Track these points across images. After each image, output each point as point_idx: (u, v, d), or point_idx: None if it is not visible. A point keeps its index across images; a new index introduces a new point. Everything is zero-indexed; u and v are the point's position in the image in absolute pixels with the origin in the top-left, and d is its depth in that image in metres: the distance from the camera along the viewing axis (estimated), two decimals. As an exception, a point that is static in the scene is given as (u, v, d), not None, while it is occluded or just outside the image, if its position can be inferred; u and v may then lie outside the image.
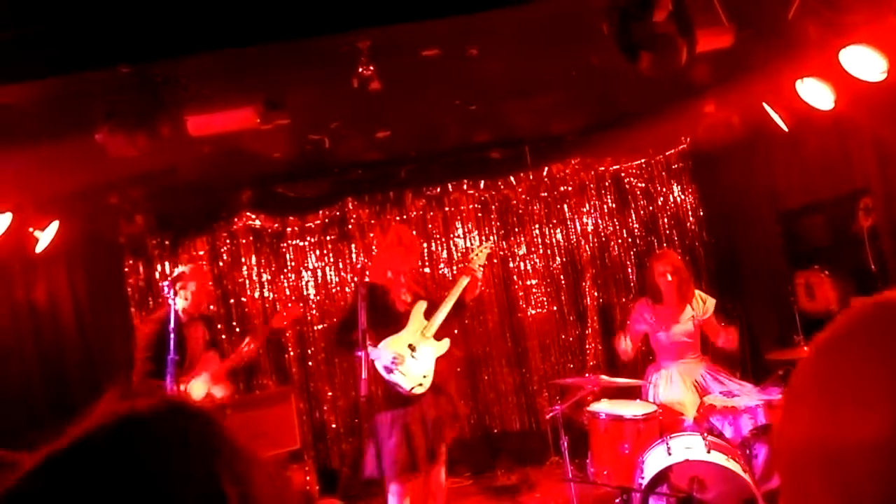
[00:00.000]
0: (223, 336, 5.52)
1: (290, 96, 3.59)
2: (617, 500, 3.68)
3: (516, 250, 6.06)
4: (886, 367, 0.48)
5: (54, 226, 4.75)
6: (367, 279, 3.76)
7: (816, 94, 4.05)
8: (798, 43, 3.77)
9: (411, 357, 3.78)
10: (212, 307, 5.47)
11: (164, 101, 3.26)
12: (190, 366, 4.06)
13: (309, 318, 5.90)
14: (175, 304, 3.61)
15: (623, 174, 6.10)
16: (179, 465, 0.57)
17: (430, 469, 3.81)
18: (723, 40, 3.48)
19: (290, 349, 5.86)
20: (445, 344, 3.90)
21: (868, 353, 0.50)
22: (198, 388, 4.05)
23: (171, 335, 3.45)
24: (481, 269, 4.04)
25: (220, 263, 5.88)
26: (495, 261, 5.97)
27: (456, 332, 5.68)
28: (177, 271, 4.23)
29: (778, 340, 4.30)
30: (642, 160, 6.06)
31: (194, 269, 4.28)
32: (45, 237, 4.71)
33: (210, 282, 4.45)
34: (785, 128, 4.62)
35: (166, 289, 3.67)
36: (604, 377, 3.98)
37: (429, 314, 3.89)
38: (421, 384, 3.74)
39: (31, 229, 4.68)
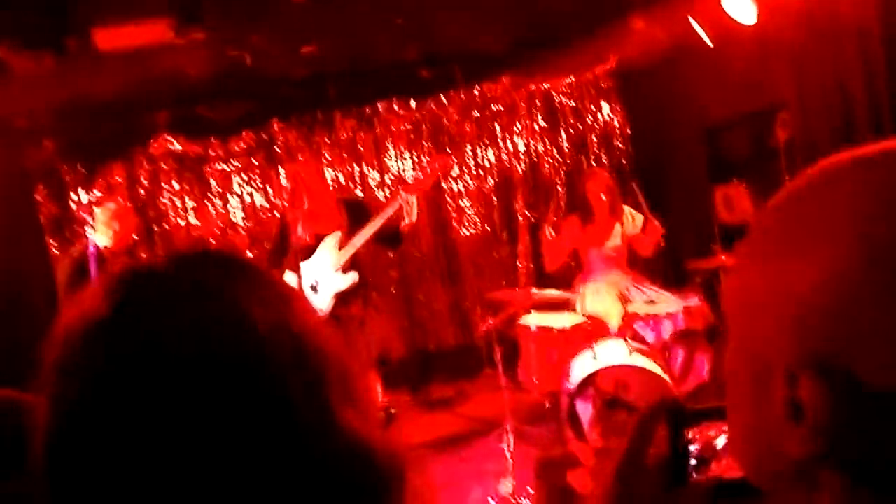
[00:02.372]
0: (143, 255, 5.36)
1: (207, 7, 3.38)
2: (546, 405, 3.88)
3: (452, 165, 6.03)
4: (825, 212, 0.51)
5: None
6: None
7: (740, 7, 4.11)
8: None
9: (310, 291, 3.78)
10: (135, 237, 5.29)
11: (70, 13, 3.02)
12: None
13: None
14: (94, 237, 3.48)
15: (553, 93, 6.11)
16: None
17: None
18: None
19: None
20: (350, 277, 3.87)
21: (810, 202, 0.53)
22: None
23: (91, 269, 3.33)
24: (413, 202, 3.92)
25: (141, 191, 5.64)
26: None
27: (391, 255, 5.76)
28: (94, 207, 4.01)
29: (697, 251, 4.50)
30: (572, 78, 6.07)
31: (118, 207, 4.07)
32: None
33: (132, 214, 4.25)
34: (710, 43, 4.70)
35: (84, 220, 3.51)
36: (535, 291, 4.11)
37: (343, 245, 3.87)
38: None
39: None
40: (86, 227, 3.48)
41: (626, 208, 4.44)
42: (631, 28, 5.07)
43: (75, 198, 5.46)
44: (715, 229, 4.41)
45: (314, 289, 3.84)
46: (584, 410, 3.59)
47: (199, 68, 4.55)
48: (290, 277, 3.87)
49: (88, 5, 3.23)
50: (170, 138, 5.60)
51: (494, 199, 6.12)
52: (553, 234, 4.34)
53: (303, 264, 3.81)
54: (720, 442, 0.74)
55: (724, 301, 0.61)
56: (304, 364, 0.56)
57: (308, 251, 3.88)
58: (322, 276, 3.86)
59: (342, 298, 3.88)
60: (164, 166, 5.66)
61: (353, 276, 3.89)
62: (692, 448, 0.74)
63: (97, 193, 4.09)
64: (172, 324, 0.54)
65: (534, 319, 4.06)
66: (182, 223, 5.72)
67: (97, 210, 3.94)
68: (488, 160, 6.10)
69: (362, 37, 4.73)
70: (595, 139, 6.16)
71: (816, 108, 4.33)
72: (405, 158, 5.99)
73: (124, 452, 0.51)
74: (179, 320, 0.54)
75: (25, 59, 3.16)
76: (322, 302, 3.83)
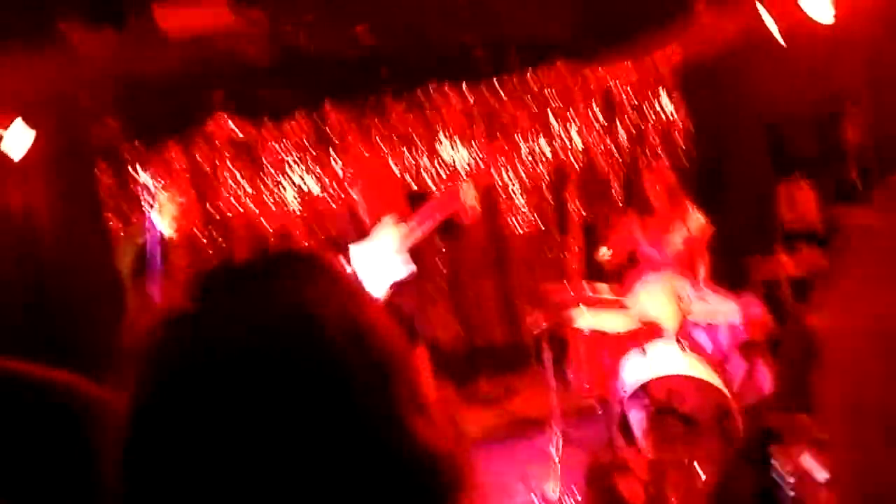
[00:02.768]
0: (204, 241, 5.44)
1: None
2: (596, 408, 3.78)
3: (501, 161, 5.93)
4: None
5: (20, 124, 4.50)
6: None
7: (817, 5, 3.90)
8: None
9: (367, 279, 3.73)
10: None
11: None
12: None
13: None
14: (157, 224, 3.52)
15: (612, 84, 5.92)
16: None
17: None
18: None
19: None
20: (408, 268, 3.79)
21: None
22: None
23: (155, 243, 3.35)
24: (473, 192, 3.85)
25: (196, 169, 5.70)
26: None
27: (443, 248, 5.70)
28: (160, 198, 4.03)
29: (759, 251, 4.31)
30: (630, 64, 5.86)
31: (178, 194, 4.07)
32: (13, 137, 4.49)
33: (196, 206, 4.29)
34: (782, 41, 4.48)
35: (144, 203, 3.53)
36: (587, 290, 3.99)
37: (404, 234, 3.81)
38: None
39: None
40: (148, 213, 3.50)
41: (692, 210, 4.26)
42: (697, 19, 4.88)
43: (134, 175, 5.55)
44: (778, 228, 4.23)
45: (371, 276, 3.78)
46: (636, 416, 3.48)
47: (254, 48, 4.54)
48: (354, 260, 3.82)
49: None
50: (225, 117, 5.63)
51: (547, 194, 5.99)
52: (607, 251, 4.19)
53: (363, 250, 3.78)
54: (819, 475, 0.69)
55: (825, 329, 0.56)
56: (374, 370, 0.58)
57: (370, 238, 3.84)
58: (381, 264, 3.80)
59: (398, 288, 3.82)
60: (218, 143, 5.69)
61: (411, 267, 3.84)
62: (788, 480, 0.69)
63: (156, 180, 4.10)
64: (250, 324, 0.57)
65: (585, 320, 3.95)
66: (235, 203, 5.76)
67: (163, 200, 3.96)
68: (542, 153, 5.97)
69: (417, 17, 4.64)
70: (654, 133, 5.96)
71: (889, 107, 4.13)
72: (456, 144, 5.90)
73: (196, 448, 0.54)
74: (257, 321, 0.57)
75: (86, 34, 3.17)
76: (377, 290, 3.77)
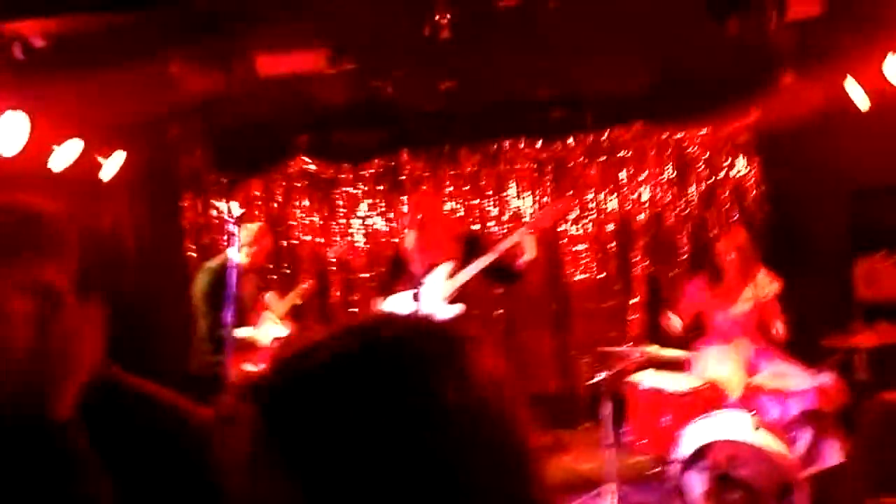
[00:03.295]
0: (274, 277, 5.63)
1: (360, 41, 3.56)
2: (653, 471, 3.70)
3: (571, 212, 5.97)
4: None
5: (120, 154, 4.85)
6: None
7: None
8: (889, 19, 3.58)
9: None
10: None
11: (236, 38, 3.27)
12: (242, 315, 4.14)
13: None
14: (235, 252, 3.69)
15: (686, 143, 5.93)
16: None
17: None
18: (812, 8, 3.33)
19: (335, 293, 5.96)
20: (455, 309, 3.86)
21: None
22: (264, 330, 4.13)
23: (232, 271, 3.51)
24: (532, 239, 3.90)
25: (274, 205, 5.97)
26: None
27: (500, 293, 5.74)
28: (242, 228, 4.24)
29: (834, 326, 4.18)
30: (707, 129, 5.87)
31: (259, 229, 4.26)
32: (110, 165, 4.83)
33: (269, 236, 4.47)
34: (863, 107, 4.42)
35: (229, 234, 3.70)
36: (649, 348, 3.95)
37: (453, 276, 3.89)
38: None
39: (98, 157, 4.79)
40: (228, 241, 3.68)
41: (762, 272, 4.19)
42: (779, 84, 4.87)
43: (217, 207, 5.83)
44: (854, 304, 4.09)
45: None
46: (694, 480, 3.40)
47: (342, 96, 4.78)
48: (398, 299, 3.95)
49: (255, 33, 3.49)
50: (306, 159, 5.90)
51: (612, 246, 5.98)
52: (676, 319, 4.15)
53: (413, 291, 3.88)
54: None
55: None
56: (495, 456, 0.60)
57: (421, 279, 3.94)
58: (428, 305, 3.88)
59: None
60: (298, 185, 5.96)
61: (458, 308, 3.90)
62: None
63: (239, 208, 4.30)
64: (372, 404, 0.58)
65: (647, 378, 3.90)
66: (307, 239, 5.98)
67: (242, 233, 4.18)
68: (610, 206, 5.98)
69: (499, 75, 4.81)
70: (726, 194, 5.90)
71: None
72: (526, 197, 5.99)
73: None
74: (377, 402, 0.58)
75: (196, 76, 3.42)
76: None
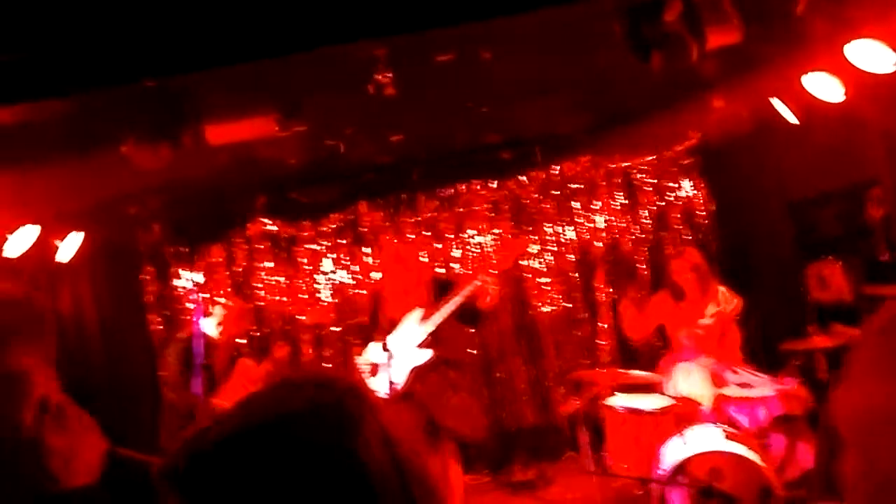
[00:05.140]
0: (243, 341, 5.59)
1: (307, 103, 3.66)
2: (637, 492, 3.74)
3: (529, 248, 6.11)
4: None
5: (77, 236, 4.83)
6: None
7: (825, 87, 4.09)
8: (806, 37, 3.81)
9: (387, 364, 3.86)
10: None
11: (185, 112, 3.33)
12: (217, 384, 4.13)
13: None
14: (204, 325, 3.70)
15: (633, 171, 6.14)
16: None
17: None
18: (731, 36, 3.53)
19: (306, 351, 5.94)
20: (426, 353, 3.94)
21: None
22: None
23: (199, 342, 3.52)
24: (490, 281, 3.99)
25: (237, 269, 5.97)
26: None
27: (471, 332, 5.79)
28: (215, 306, 4.27)
29: (791, 331, 4.33)
30: (652, 156, 6.10)
31: (236, 310, 4.28)
32: (67, 247, 4.80)
33: (247, 316, 4.48)
34: (795, 121, 4.66)
35: (193, 306, 3.73)
36: (621, 371, 4.04)
37: (424, 321, 3.96)
38: (387, 392, 3.80)
39: (55, 240, 4.76)
40: (193, 312, 3.70)
41: (721, 289, 4.34)
42: (711, 107, 5.10)
43: (180, 279, 5.80)
44: (808, 309, 4.25)
45: (390, 363, 3.90)
46: (678, 498, 3.46)
47: (295, 156, 4.87)
48: (375, 348, 3.99)
49: (202, 103, 3.56)
50: (265, 220, 5.94)
51: (575, 276, 6.11)
52: (634, 306, 4.29)
53: (387, 339, 3.92)
54: None
55: (840, 413, 0.63)
56: (407, 495, 0.66)
57: (392, 327, 4.00)
58: (401, 351, 3.93)
59: (418, 375, 3.94)
60: (260, 247, 5.98)
61: (429, 353, 3.95)
62: None
63: (199, 277, 4.33)
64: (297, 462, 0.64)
65: (620, 401, 3.98)
66: (273, 300, 5.98)
67: (217, 307, 4.21)
68: (568, 238, 6.14)
69: (446, 125, 4.96)
70: (677, 216, 6.11)
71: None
72: (486, 236, 6.11)
73: None
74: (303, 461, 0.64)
75: (145, 153, 3.47)
76: (398, 376, 3.89)
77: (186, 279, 5.79)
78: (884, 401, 0.57)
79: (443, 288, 4.15)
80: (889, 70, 3.48)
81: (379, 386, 3.84)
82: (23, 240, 4.31)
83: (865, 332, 0.62)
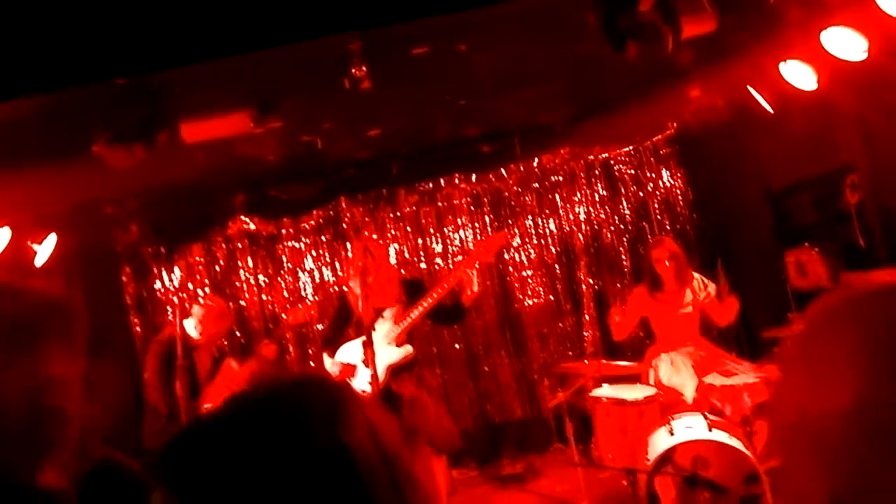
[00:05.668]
0: (225, 342, 5.54)
1: (282, 99, 3.62)
2: (624, 483, 3.75)
3: (511, 241, 6.12)
4: (852, 342, 0.55)
5: (52, 238, 4.76)
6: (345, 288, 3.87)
7: (799, 75, 4.12)
8: (780, 25, 3.83)
9: (362, 363, 3.84)
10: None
11: (159, 110, 3.28)
12: (200, 385, 4.08)
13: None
14: (186, 325, 3.66)
15: (612, 161, 6.16)
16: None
17: None
18: (706, 26, 3.54)
19: (290, 349, 5.90)
20: (403, 351, 3.92)
21: (839, 331, 0.58)
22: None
23: (179, 343, 3.48)
24: (473, 274, 3.96)
25: (217, 268, 5.91)
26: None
27: (455, 328, 5.79)
28: (195, 306, 4.22)
29: (772, 318, 4.37)
30: (630, 147, 6.12)
31: (216, 310, 4.22)
32: (43, 250, 4.72)
33: (228, 316, 4.44)
34: (770, 109, 4.69)
35: (172, 306, 3.68)
36: (605, 362, 4.05)
37: (399, 319, 3.94)
38: (364, 390, 3.77)
39: (29, 243, 4.68)
40: (172, 313, 3.65)
41: (696, 275, 4.37)
42: (687, 96, 5.13)
43: (160, 280, 5.73)
44: (789, 296, 4.29)
45: (366, 362, 3.88)
46: (665, 487, 3.47)
47: (273, 153, 4.82)
48: (349, 348, 3.97)
49: (176, 101, 3.51)
50: (245, 219, 5.89)
51: (557, 268, 6.12)
52: (620, 304, 4.30)
53: (361, 337, 3.89)
54: None
55: (769, 415, 0.64)
56: (395, 486, 0.67)
57: (367, 324, 3.95)
58: (377, 349, 3.89)
59: (395, 372, 3.92)
60: (240, 245, 5.92)
61: (406, 350, 3.94)
62: None
63: (177, 278, 4.26)
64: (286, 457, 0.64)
65: (606, 391, 3.99)
66: (255, 299, 5.93)
67: (195, 306, 4.16)
68: (549, 230, 6.14)
69: (424, 118, 4.93)
70: (657, 205, 6.14)
71: (887, 170, 4.24)
72: (468, 230, 6.10)
73: None
74: (285, 446, 0.65)
75: (119, 153, 3.41)
76: (375, 374, 3.85)
77: (165, 280, 5.72)
78: (798, 404, 0.56)
79: (415, 287, 4.11)
80: (861, 57, 3.51)
81: (356, 384, 3.82)
82: (-4, 244, 4.24)
83: (789, 338, 0.62)
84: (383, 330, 3.93)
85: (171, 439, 0.67)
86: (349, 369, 3.92)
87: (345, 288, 4.05)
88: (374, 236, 5.80)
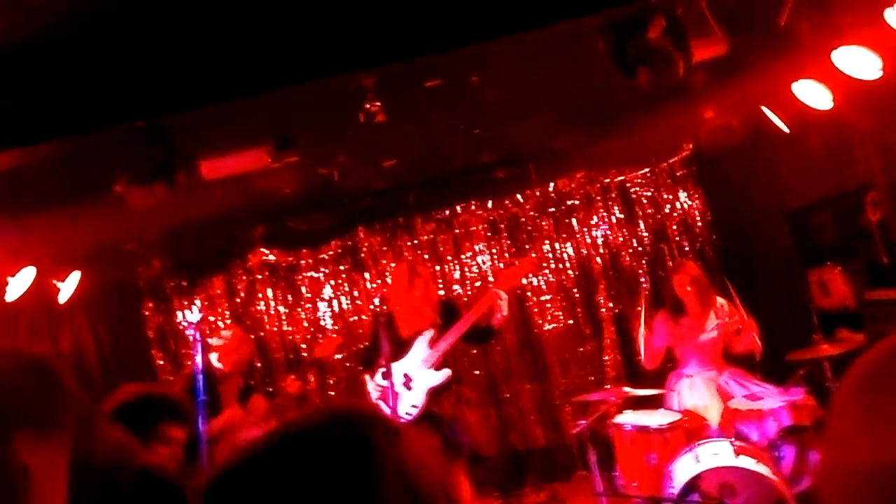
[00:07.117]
0: (252, 382, 5.57)
1: (299, 134, 3.67)
2: (649, 511, 3.69)
3: (539, 266, 6.09)
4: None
5: (75, 276, 4.83)
6: (385, 309, 3.89)
7: (813, 94, 4.10)
8: (792, 46, 3.83)
9: (403, 387, 3.86)
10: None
11: (178, 149, 3.34)
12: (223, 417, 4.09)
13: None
14: (202, 354, 3.69)
15: (628, 184, 6.15)
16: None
17: None
18: (717, 49, 3.54)
19: (311, 379, 5.91)
20: (442, 374, 3.95)
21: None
22: (255, 434, 4.05)
23: (199, 378, 3.50)
24: (505, 298, 4.04)
25: (238, 300, 5.96)
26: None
27: (475, 352, 5.79)
28: (216, 336, 4.27)
29: (796, 340, 4.30)
30: (647, 169, 6.11)
31: (234, 336, 4.26)
32: (66, 288, 4.80)
33: (249, 343, 4.48)
34: (785, 129, 4.67)
35: (192, 338, 3.70)
36: (626, 388, 4.00)
37: (434, 343, 3.97)
38: (409, 413, 3.80)
39: (53, 281, 4.76)
40: (193, 345, 3.67)
41: (719, 299, 4.32)
42: (703, 116, 5.12)
43: (181, 314, 5.79)
44: (813, 316, 4.22)
45: (407, 385, 3.91)
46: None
47: (291, 186, 4.88)
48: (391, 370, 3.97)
49: (195, 139, 3.58)
50: (265, 250, 5.94)
51: (576, 292, 6.09)
52: (646, 331, 4.26)
53: (397, 362, 3.92)
54: None
55: (823, 468, 0.61)
56: None
57: (403, 349, 3.99)
58: (415, 373, 3.94)
59: (434, 394, 3.94)
60: (259, 277, 5.98)
61: (445, 373, 3.97)
62: None
63: (198, 311, 4.28)
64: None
65: (628, 417, 3.94)
66: (275, 329, 5.96)
67: (215, 338, 4.20)
68: (567, 254, 6.12)
69: (439, 147, 4.97)
70: (675, 227, 6.10)
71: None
72: (485, 256, 6.10)
73: None
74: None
75: (140, 193, 3.48)
76: (416, 398, 3.88)
77: (187, 313, 5.77)
78: (868, 459, 0.53)
79: (447, 309, 4.17)
80: (876, 76, 3.49)
81: (397, 410, 3.82)
82: (20, 283, 4.31)
83: (844, 383, 0.58)
84: (420, 354, 3.96)
85: (214, 468, 0.70)
86: (385, 393, 3.91)
87: (384, 307, 4.05)
88: (393, 265, 5.82)
